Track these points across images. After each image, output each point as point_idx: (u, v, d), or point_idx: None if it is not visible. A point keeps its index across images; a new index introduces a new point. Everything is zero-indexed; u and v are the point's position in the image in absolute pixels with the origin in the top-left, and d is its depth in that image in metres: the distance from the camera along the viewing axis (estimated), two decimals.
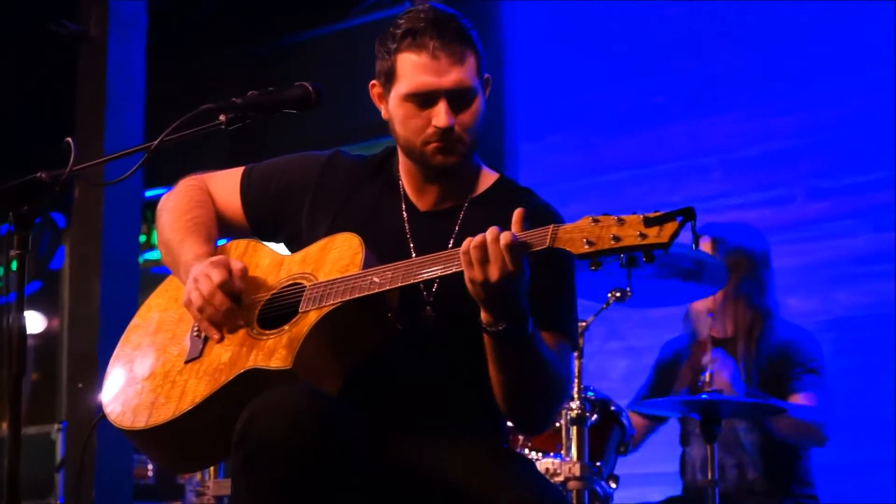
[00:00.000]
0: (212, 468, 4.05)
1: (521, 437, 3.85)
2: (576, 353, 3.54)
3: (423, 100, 2.50)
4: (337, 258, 2.49)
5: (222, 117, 2.48)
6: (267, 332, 2.45)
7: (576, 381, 3.75)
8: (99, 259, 5.98)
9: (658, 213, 2.16)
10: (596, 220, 2.20)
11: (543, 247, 2.25)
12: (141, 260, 7.07)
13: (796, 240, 5.34)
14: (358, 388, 2.45)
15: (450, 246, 2.51)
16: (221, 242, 2.76)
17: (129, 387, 2.60)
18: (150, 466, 6.12)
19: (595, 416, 3.82)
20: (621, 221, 2.18)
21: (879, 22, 5.31)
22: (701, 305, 4.35)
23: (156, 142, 2.43)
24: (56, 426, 6.10)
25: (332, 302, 2.39)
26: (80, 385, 5.91)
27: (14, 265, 2.34)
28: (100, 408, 2.63)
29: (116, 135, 6.03)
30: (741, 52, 5.73)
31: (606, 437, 3.95)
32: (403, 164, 2.65)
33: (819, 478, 4.31)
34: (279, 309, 2.50)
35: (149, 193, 7.08)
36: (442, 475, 2.43)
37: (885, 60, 5.26)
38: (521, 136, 6.28)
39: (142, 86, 6.24)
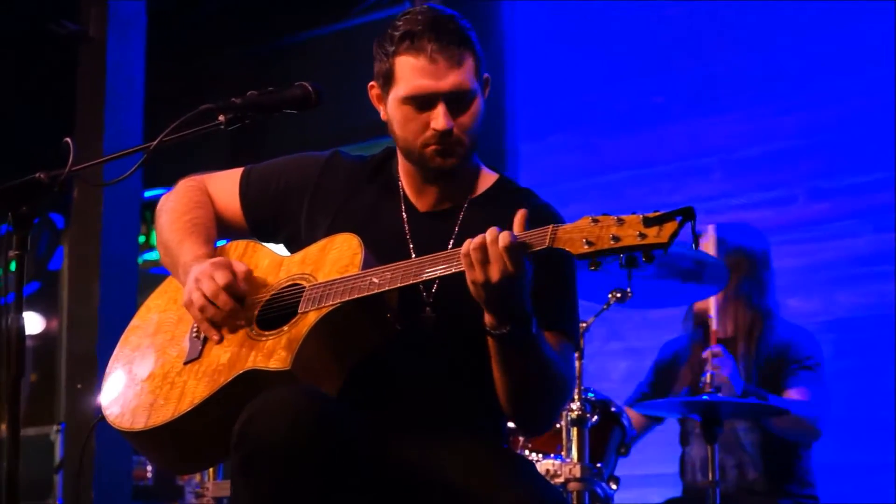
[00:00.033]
0: (211, 469, 4.05)
1: (521, 439, 3.85)
2: (576, 354, 3.54)
3: (421, 103, 2.50)
4: (336, 259, 2.48)
5: (222, 117, 2.48)
6: (266, 333, 2.45)
7: (576, 382, 3.75)
8: (98, 260, 5.98)
9: (657, 213, 2.16)
10: (595, 221, 2.20)
11: (543, 247, 2.24)
12: (140, 260, 7.07)
13: (798, 240, 5.34)
14: (357, 389, 2.44)
15: (449, 247, 2.51)
16: (221, 243, 2.76)
17: (128, 388, 2.59)
18: (149, 468, 6.11)
19: (595, 417, 3.82)
20: (621, 221, 2.18)
21: (880, 21, 5.31)
22: (702, 306, 4.35)
23: (155, 142, 2.43)
24: (55, 427, 6.10)
25: (331, 303, 2.38)
26: (79, 386, 5.90)
27: (13, 266, 2.33)
28: (99, 409, 2.63)
29: (116, 135, 6.03)
30: (742, 52, 5.73)
31: (607, 438, 3.95)
32: (403, 165, 2.65)
33: (819, 478, 4.31)
34: (278, 310, 2.50)
35: (148, 194, 7.08)
36: (442, 475, 2.43)
37: (886, 60, 5.27)
38: (521, 137, 6.28)
39: (141, 86, 6.24)
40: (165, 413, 2.47)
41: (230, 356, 2.45)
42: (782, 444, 4.24)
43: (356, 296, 2.37)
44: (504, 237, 2.24)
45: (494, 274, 2.24)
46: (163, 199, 2.78)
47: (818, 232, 5.38)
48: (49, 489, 6.04)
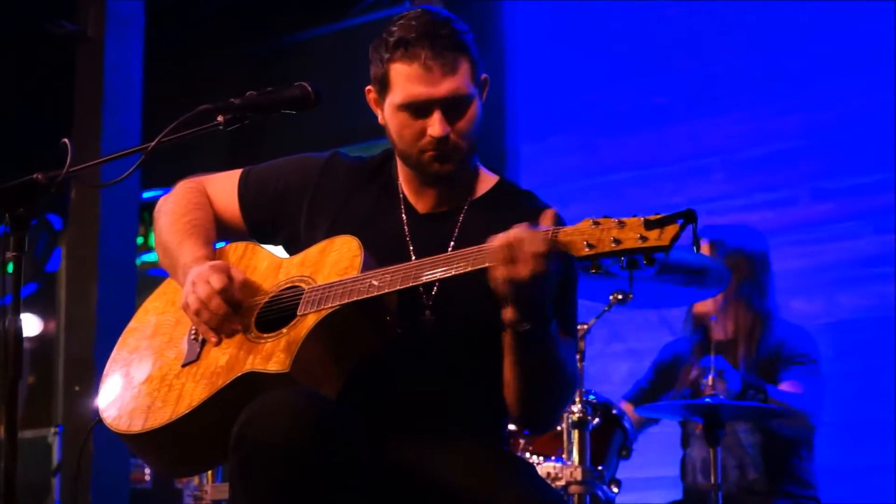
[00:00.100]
0: (209, 472, 4.03)
1: (521, 441, 3.85)
2: (577, 356, 3.54)
3: (416, 110, 2.49)
4: (336, 261, 2.47)
5: (220, 118, 2.47)
6: (265, 335, 2.44)
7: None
8: (96, 261, 5.97)
9: (659, 216, 2.15)
10: (596, 223, 2.20)
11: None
12: (138, 262, 7.06)
13: (800, 242, 5.34)
14: (356, 391, 2.43)
15: (449, 249, 2.50)
16: (220, 245, 2.74)
17: (126, 390, 2.58)
18: (147, 471, 6.11)
19: (597, 419, 3.82)
20: (622, 224, 2.17)
21: (881, 21, 5.30)
22: (703, 308, 4.35)
23: (153, 143, 2.42)
24: (52, 430, 6.10)
25: (330, 305, 2.38)
26: (76, 388, 5.90)
27: (10, 267, 2.33)
28: (96, 412, 2.62)
29: (114, 135, 6.03)
30: (742, 52, 5.73)
31: (608, 440, 3.95)
32: (402, 167, 2.64)
33: (821, 479, 4.30)
34: (277, 312, 2.49)
35: (146, 195, 7.08)
36: (441, 478, 2.42)
37: (887, 60, 5.26)
38: (521, 137, 6.28)
39: (139, 86, 6.23)
40: (163, 415, 2.46)
41: (228, 358, 2.44)
42: (783, 444, 4.25)
43: (355, 298, 2.36)
44: (535, 239, 2.22)
45: (522, 273, 2.23)
46: (161, 200, 2.77)
47: (820, 233, 5.38)
48: (46, 492, 6.04)
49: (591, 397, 3.85)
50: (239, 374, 2.38)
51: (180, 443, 2.47)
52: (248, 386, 2.36)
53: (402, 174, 2.65)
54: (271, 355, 2.37)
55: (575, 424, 3.74)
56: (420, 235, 2.58)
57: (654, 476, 4.82)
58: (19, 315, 2.29)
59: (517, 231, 2.24)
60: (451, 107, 2.48)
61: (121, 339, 2.71)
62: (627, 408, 4.31)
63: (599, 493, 3.78)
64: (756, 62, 5.69)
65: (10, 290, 2.30)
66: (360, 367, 2.42)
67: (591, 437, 3.77)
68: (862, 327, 5.20)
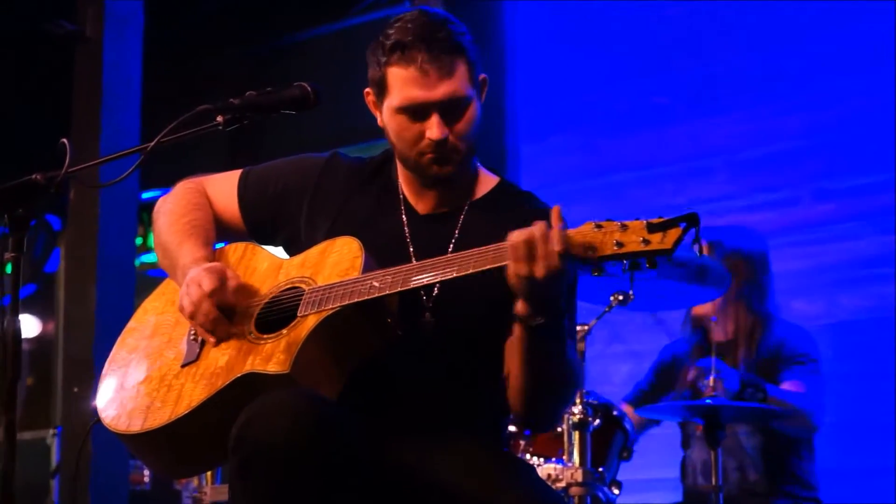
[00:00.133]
0: (209, 473, 4.03)
1: (522, 442, 3.85)
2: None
3: (414, 113, 2.49)
4: (336, 262, 2.47)
5: (220, 118, 2.47)
6: (265, 336, 2.44)
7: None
8: (95, 262, 5.96)
9: (662, 219, 2.15)
10: (599, 226, 2.20)
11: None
12: (137, 263, 7.05)
13: (801, 242, 5.34)
14: (357, 393, 2.43)
15: (450, 250, 2.50)
16: (219, 245, 2.74)
17: (125, 391, 2.58)
18: (146, 472, 6.11)
19: (597, 420, 3.82)
20: (624, 227, 2.18)
21: (882, 21, 5.30)
22: (702, 309, 4.35)
23: (152, 143, 2.42)
24: (51, 431, 6.09)
25: (331, 306, 2.37)
26: (75, 389, 5.89)
27: (9, 268, 2.33)
28: (95, 412, 2.62)
29: (112, 135, 6.02)
30: (743, 53, 5.73)
31: (609, 442, 3.95)
32: (402, 169, 2.64)
33: (822, 480, 4.30)
34: (277, 313, 2.48)
35: (145, 195, 7.07)
36: (441, 479, 2.42)
37: (887, 61, 5.26)
38: (522, 138, 6.28)
39: (138, 86, 6.22)
40: (162, 416, 2.45)
41: (228, 359, 2.44)
42: (784, 445, 4.24)
43: (356, 300, 2.36)
44: (556, 239, 2.22)
45: (540, 271, 2.22)
46: (161, 200, 2.77)
47: (821, 234, 5.38)
48: (45, 493, 6.03)
49: (592, 399, 3.84)
50: (239, 375, 2.38)
51: (179, 443, 2.47)
52: (247, 387, 2.36)
53: (402, 175, 2.64)
54: (271, 356, 2.36)
55: (575, 426, 3.74)
56: (420, 236, 2.58)
57: (655, 478, 4.82)
58: (18, 316, 2.28)
59: (536, 228, 2.23)
60: (449, 109, 2.48)
61: (120, 340, 2.71)
62: (628, 410, 4.31)
63: (600, 494, 3.77)
64: (756, 62, 5.69)
65: (8, 290, 2.29)
66: (360, 368, 2.42)
67: (591, 438, 3.77)
68: (862, 328, 5.20)
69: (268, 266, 2.61)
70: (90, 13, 6.16)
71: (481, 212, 2.59)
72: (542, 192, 2.68)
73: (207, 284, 2.46)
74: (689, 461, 4.41)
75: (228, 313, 2.49)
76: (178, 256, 2.61)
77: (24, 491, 5.65)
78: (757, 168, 5.59)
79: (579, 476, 3.70)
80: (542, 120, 6.27)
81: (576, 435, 3.74)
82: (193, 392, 2.44)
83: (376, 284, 2.36)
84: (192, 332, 2.55)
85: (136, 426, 2.48)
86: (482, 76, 2.56)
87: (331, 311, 2.36)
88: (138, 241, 7.30)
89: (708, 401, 3.84)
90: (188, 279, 2.49)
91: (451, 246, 2.54)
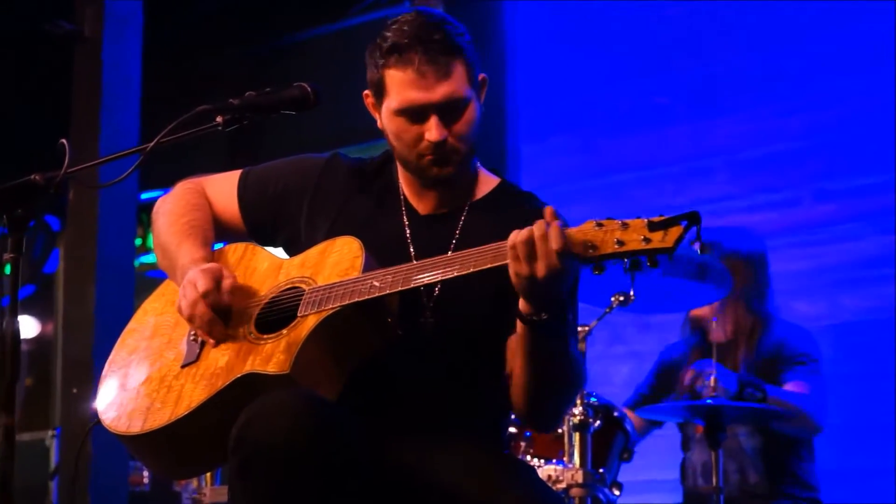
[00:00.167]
0: (208, 474, 4.02)
1: (522, 444, 3.84)
2: None
3: (413, 115, 2.49)
4: (337, 262, 2.47)
5: (219, 118, 2.46)
6: (265, 336, 2.43)
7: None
8: (94, 262, 5.96)
9: (663, 218, 2.15)
10: (600, 224, 2.20)
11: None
12: (136, 263, 7.04)
13: (803, 243, 5.34)
14: (357, 393, 2.42)
15: (450, 251, 2.49)
16: (219, 246, 2.73)
17: (125, 392, 2.58)
18: (145, 473, 6.10)
19: (598, 422, 3.82)
20: (625, 226, 2.17)
21: (883, 21, 5.30)
22: (700, 311, 4.35)
23: (152, 143, 2.41)
24: (50, 432, 6.09)
25: (331, 306, 2.37)
26: (74, 390, 5.88)
27: (8, 269, 2.32)
28: (95, 413, 2.61)
29: (112, 136, 6.01)
30: (743, 53, 5.74)
31: (609, 443, 3.94)
32: (402, 169, 2.64)
33: (823, 481, 4.29)
34: (278, 313, 2.48)
35: (144, 196, 7.06)
36: (441, 480, 2.41)
37: (889, 61, 5.26)
38: (522, 138, 6.28)
39: (137, 86, 6.22)
40: (162, 417, 2.45)
41: (228, 360, 2.43)
42: (784, 446, 4.24)
43: (356, 299, 2.35)
44: (555, 236, 2.21)
45: (541, 269, 2.23)
46: (160, 201, 2.77)
47: (822, 234, 5.38)
48: (44, 495, 6.02)
49: (593, 400, 3.84)
50: (239, 376, 2.37)
51: (179, 444, 2.46)
52: (247, 387, 2.35)
53: (403, 176, 2.64)
54: (271, 356, 2.36)
55: (576, 427, 3.73)
56: (421, 237, 2.58)
57: (655, 479, 4.81)
58: (17, 317, 2.27)
59: (535, 227, 2.23)
60: (448, 111, 2.47)
61: (119, 341, 2.70)
62: (632, 417, 4.29)
63: (601, 495, 3.77)
64: (757, 62, 5.69)
65: (7, 291, 2.28)
66: (360, 368, 2.41)
67: (592, 439, 3.76)
68: (864, 329, 5.20)
69: (268, 266, 2.60)
70: (89, 13, 6.15)
71: (482, 212, 2.59)
72: (542, 193, 2.67)
73: (202, 285, 2.45)
74: (689, 463, 4.41)
75: (225, 314, 2.48)
76: (177, 257, 2.61)
77: (22, 492, 5.64)
78: (757, 168, 5.58)
79: (580, 477, 3.69)
80: (543, 120, 6.27)
81: (576, 436, 3.74)
82: (193, 393, 2.43)
83: (377, 284, 2.35)
84: (192, 333, 2.55)
85: (136, 427, 2.48)
86: (481, 76, 2.55)
87: (331, 311, 2.36)
88: (137, 241, 7.30)
89: (709, 401, 3.83)
90: (185, 280, 2.49)
91: (452, 246, 2.53)
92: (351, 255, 2.45)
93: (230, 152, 7.08)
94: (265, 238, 2.73)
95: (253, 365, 2.37)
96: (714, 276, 3.96)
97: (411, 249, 2.56)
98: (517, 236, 2.24)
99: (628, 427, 4.02)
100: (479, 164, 2.67)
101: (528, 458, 3.82)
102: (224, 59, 7.56)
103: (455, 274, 2.30)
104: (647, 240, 2.14)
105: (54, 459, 6.01)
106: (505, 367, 2.48)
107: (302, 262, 2.54)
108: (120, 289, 5.97)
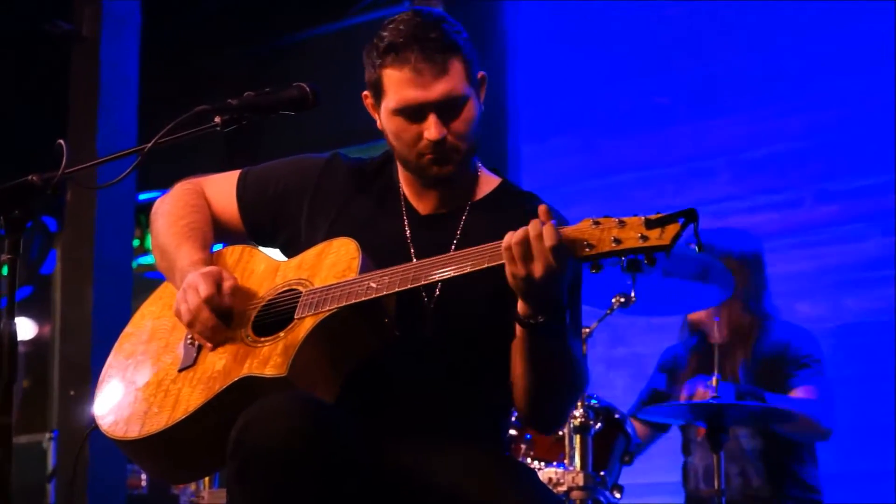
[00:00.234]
0: (206, 478, 4.02)
1: (522, 446, 3.83)
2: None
3: (411, 114, 2.48)
4: (333, 263, 2.46)
5: (218, 119, 2.45)
6: (262, 339, 2.43)
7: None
8: (91, 264, 5.95)
9: (660, 215, 2.15)
10: (597, 223, 2.20)
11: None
12: (134, 265, 7.03)
13: (805, 244, 5.34)
14: (355, 395, 2.42)
15: (451, 251, 2.48)
16: (218, 247, 2.72)
17: (122, 396, 2.57)
18: (143, 477, 6.10)
19: (599, 424, 3.81)
20: (622, 224, 2.17)
21: (883, 21, 5.30)
22: (698, 315, 4.34)
23: (150, 144, 2.40)
24: (47, 435, 6.08)
25: (328, 308, 2.36)
26: (72, 393, 5.87)
27: (5, 270, 2.31)
28: (92, 418, 2.60)
29: (109, 136, 6.00)
30: (744, 53, 5.74)
31: (610, 445, 3.93)
32: (402, 170, 2.63)
33: (826, 483, 4.29)
34: (274, 315, 2.47)
35: (142, 196, 7.05)
36: (440, 482, 2.40)
37: (889, 61, 5.25)
38: (523, 138, 6.27)
39: (135, 86, 6.21)
40: (159, 421, 2.44)
41: (225, 363, 2.43)
42: (786, 449, 4.24)
43: (353, 301, 2.35)
44: (549, 234, 2.21)
45: (538, 270, 2.22)
46: (158, 202, 2.76)
47: (824, 235, 5.37)
48: (41, 498, 6.01)
49: (594, 402, 3.83)
50: (236, 379, 2.37)
51: (177, 448, 2.46)
52: (245, 390, 2.34)
53: (403, 176, 2.63)
54: (269, 359, 2.35)
55: (577, 429, 3.73)
56: (421, 237, 2.57)
57: (657, 482, 4.81)
58: (14, 318, 2.26)
59: (530, 227, 2.23)
60: (446, 109, 2.47)
61: (117, 345, 2.70)
62: (637, 425, 4.28)
63: (601, 498, 3.76)
64: (758, 63, 5.69)
65: (4, 293, 2.28)
66: (359, 369, 2.41)
67: (593, 442, 3.76)
68: (866, 330, 5.19)
69: (265, 268, 2.59)
70: (87, 13, 6.14)
71: (483, 212, 2.58)
72: (543, 194, 2.66)
73: (204, 290, 2.44)
74: (690, 466, 4.41)
75: (226, 316, 2.47)
76: (175, 259, 2.60)
77: (19, 495, 5.64)
78: (758, 169, 5.58)
79: (580, 480, 3.69)
80: (543, 121, 6.27)
81: (577, 439, 3.73)
82: (191, 397, 2.43)
83: (374, 285, 2.34)
84: (189, 337, 2.54)
85: (134, 432, 2.47)
86: (480, 74, 2.55)
87: (328, 313, 2.35)
88: (135, 242, 7.29)
89: (710, 400, 3.82)
90: (185, 284, 2.48)
91: (453, 247, 2.52)
92: (348, 256, 2.44)
93: (228, 153, 7.07)
94: (265, 238, 2.72)
95: (250, 368, 2.36)
96: (717, 277, 3.95)
97: (411, 250, 2.55)
98: (512, 237, 2.23)
99: (629, 430, 4.01)
100: (479, 163, 2.66)
101: (529, 460, 3.82)
102: (223, 58, 7.55)
103: (452, 274, 2.30)
104: (644, 237, 2.14)
105: (51, 462, 6.00)
106: (505, 368, 2.46)
107: (299, 263, 2.53)
108: (118, 290, 5.96)
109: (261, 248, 2.70)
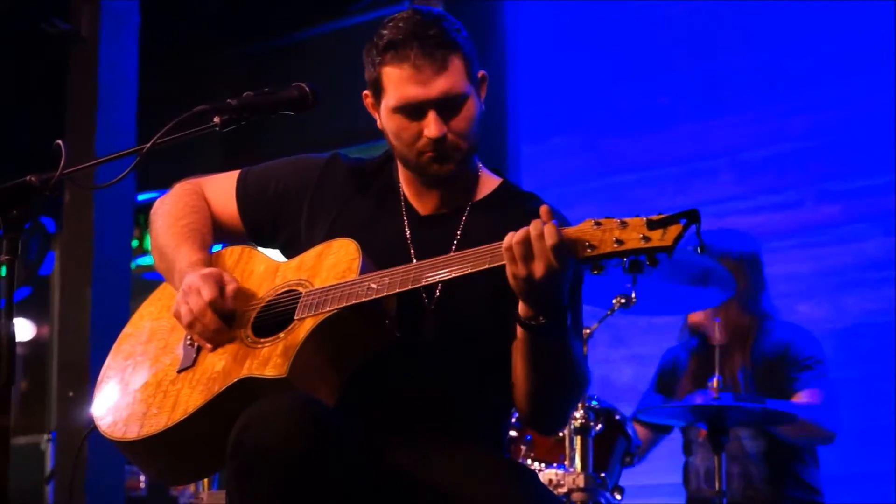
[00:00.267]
0: (206, 480, 4.01)
1: (523, 448, 3.83)
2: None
3: (411, 112, 2.48)
4: (333, 264, 2.45)
5: (217, 119, 2.44)
6: (262, 340, 2.42)
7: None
8: (90, 264, 5.94)
9: (661, 216, 2.14)
10: (598, 224, 2.19)
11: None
12: (133, 265, 7.03)
13: (805, 245, 5.34)
14: (355, 395, 2.42)
15: (452, 251, 2.47)
16: (217, 248, 2.72)
17: (121, 397, 2.57)
18: (142, 478, 6.10)
19: (599, 425, 3.81)
20: (624, 224, 2.17)
21: (883, 22, 5.30)
22: (697, 316, 4.34)
23: (149, 144, 2.40)
24: (46, 436, 6.08)
25: (328, 309, 2.36)
26: (70, 394, 5.86)
27: (3, 271, 2.30)
28: (91, 419, 2.60)
29: (108, 136, 6.00)
30: (747, 53, 5.74)
31: (611, 447, 3.93)
32: (402, 169, 2.63)
33: (827, 484, 4.28)
34: (274, 316, 2.47)
35: (141, 197, 7.05)
36: (440, 483, 2.40)
37: (890, 61, 5.25)
38: (524, 138, 6.27)
39: (134, 86, 6.21)
40: (158, 422, 2.43)
41: (225, 364, 2.42)
42: (787, 450, 4.24)
43: (353, 302, 2.34)
44: (551, 234, 2.20)
45: (539, 270, 2.21)
46: (158, 202, 2.75)
47: (826, 236, 5.37)
48: (40, 499, 6.00)
49: (594, 403, 3.83)
50: (236, 380, 2.36)
51: (176, 450, 2.46)
52: (245, 391, 2.34)
53: (403, 176, 2.63)
54: (268, 360, 2.35)
55: (577, 430, 3.72)
56: (421, 238, 2.56)
57: (658, 483, 4.80)
58: (12, 319, 2.26)
59: (531, 227, 2.22)
60: (446, 106, 2.46)
61: (115, 346, 2.69)
62: (640, 429, 4.28)
63: (602, 500, 3.76)
64: (760, 63, 5.70)
65: (2, 294, 2.27)
66: (358, 370, 2.40)
67: (593, 443, 3.75)
68: (868, 331, 5.19)
69: (264, 269, 2.59)
70: (86, 12, 6.14)
71: (483, 212, 2.58)
72: (543, 194, 2.66)
73: (207, 293, 2.43)
74: (691, 467, 4.41)
75: (227, 318, 2.46)
76: (174, 260, 2.59)
77: (18, 496, 5.62)
78: (760, 169, 5.58)
79: (581, 481, 3.69)
80: (544, 121, 6.27)
81: (577, 440, 3.73)
82: (190, 398, 2.42)
83: (374, 286, 2.34)
84: (189, 338, 2.53)
85: (133, 433, 2.47)
86: (481, 72, 2.54)
87: (328, 314, 2.34)
88: (134, 243, 7.28)
89: (713, 402, 3.82)
90: (185, 286, 2.47)
91: (454, 247, 2.52)
92: (348, 257, 2.44)
93: (228, 153, 7.07)
94: (264, 238, 2.72)
95: (250, 369, 2.36)
96: (717, 279, 3.94)
97: (412, 250, 2.54)
98: (513, 237, 2.23)
99: (630, 431, 4.01)
100: (480, 164, 2.65)
101: (529, 461, 3.82)
102: (222, 58, 7.55)
103: (452, 275, 2.29)
104: (646, 238, 2.13)
105: (50, 464, 5.99)
106: (506, 369, 2.46)
107: (299, 264, 2.53)
108: (116, 291, 5.96)
109: (260, 248, 2.70)
